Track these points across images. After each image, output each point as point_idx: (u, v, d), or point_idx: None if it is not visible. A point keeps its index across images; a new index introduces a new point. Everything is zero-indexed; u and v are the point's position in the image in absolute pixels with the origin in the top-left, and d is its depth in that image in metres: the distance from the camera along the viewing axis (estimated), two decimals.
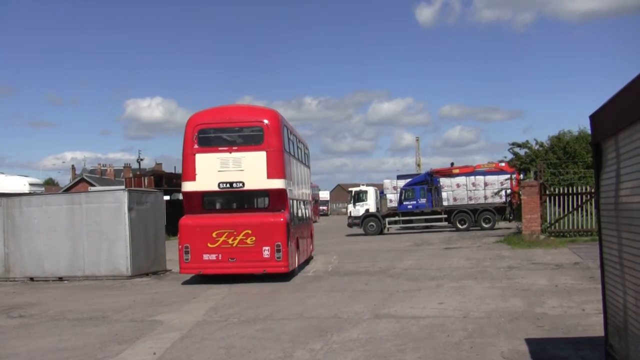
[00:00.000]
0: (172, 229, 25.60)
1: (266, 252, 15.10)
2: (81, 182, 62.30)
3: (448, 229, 34.80)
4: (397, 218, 35.47)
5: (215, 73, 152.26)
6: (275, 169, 15.46)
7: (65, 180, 77.03)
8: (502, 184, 38.29)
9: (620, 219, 5.50)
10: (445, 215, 34.48)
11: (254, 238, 15.15)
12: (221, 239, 15.21)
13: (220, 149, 15.67)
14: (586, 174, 24.41)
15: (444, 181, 41.37)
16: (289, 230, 15.56)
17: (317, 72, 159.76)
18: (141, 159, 61.77)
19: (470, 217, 33.81)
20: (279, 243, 15.11)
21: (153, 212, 18.20)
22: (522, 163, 28.62)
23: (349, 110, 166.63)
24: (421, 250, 22.88)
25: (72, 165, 78.68)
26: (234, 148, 15.80)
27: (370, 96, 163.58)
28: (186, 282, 16.04)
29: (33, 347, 9.18)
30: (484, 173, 40.40)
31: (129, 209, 16.93)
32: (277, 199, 15.73)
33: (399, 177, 49.73)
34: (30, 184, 37.16)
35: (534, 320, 9.49)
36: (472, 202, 42.05)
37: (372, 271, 16.78)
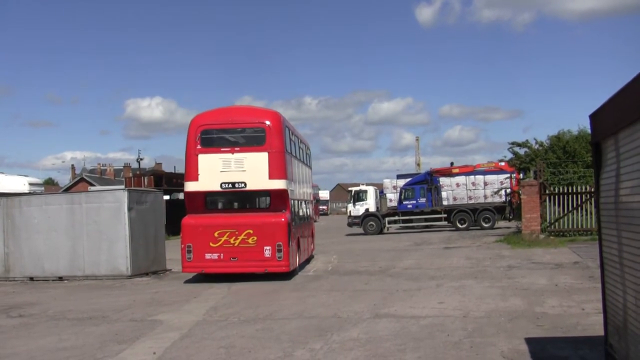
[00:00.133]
0: (172, 229, 25.64)
1: (267, 251, 15.17)
2: (81, 181, 62.31)
3: (448, 229, 34.75)
4: (396, 217, 35.45)
5: (215, 73, 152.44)
6: (277, 169, 15.54)
7: (65, 180, 77.24)
8: (501, 183, 38.33)
9: (620, 218, 5.49)
10: (445, 215, 34.45)
11: (255, 238, 15.23)
12: (223, 239, 15.30)
13: (222, 149, 15.77)
14: (586, 173, 24.39)
15: (443, 181, 41.32)
16: (290, 230, 15.63)
17: (317, 72, 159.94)
18: (141, 159, 61.97)
19: (470, 216, 33.79)
20: (280, 243, 15.18)
21: (153, 211, 18.20)
22: (522, 162, 28.59)
23: (348, 110, 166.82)
24: (421, 250, 22.88)
25: (72, 165, 78.96)
26: (236, 149, 15.91)
27: (370, 96, 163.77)
28: (186, 282, 16.06)
29: (33, 347, 9.18)
30: (484, 172, 40.45)
31: (129, 209, 16.94)
32: (278, 199, 15.81)
33: (399, 177, 49.77)
34: (30, 184, 37.22)
35: (534, 319, 9.49)
36: (472, 201, 41.95)
37: (372, 271, 16.79)
